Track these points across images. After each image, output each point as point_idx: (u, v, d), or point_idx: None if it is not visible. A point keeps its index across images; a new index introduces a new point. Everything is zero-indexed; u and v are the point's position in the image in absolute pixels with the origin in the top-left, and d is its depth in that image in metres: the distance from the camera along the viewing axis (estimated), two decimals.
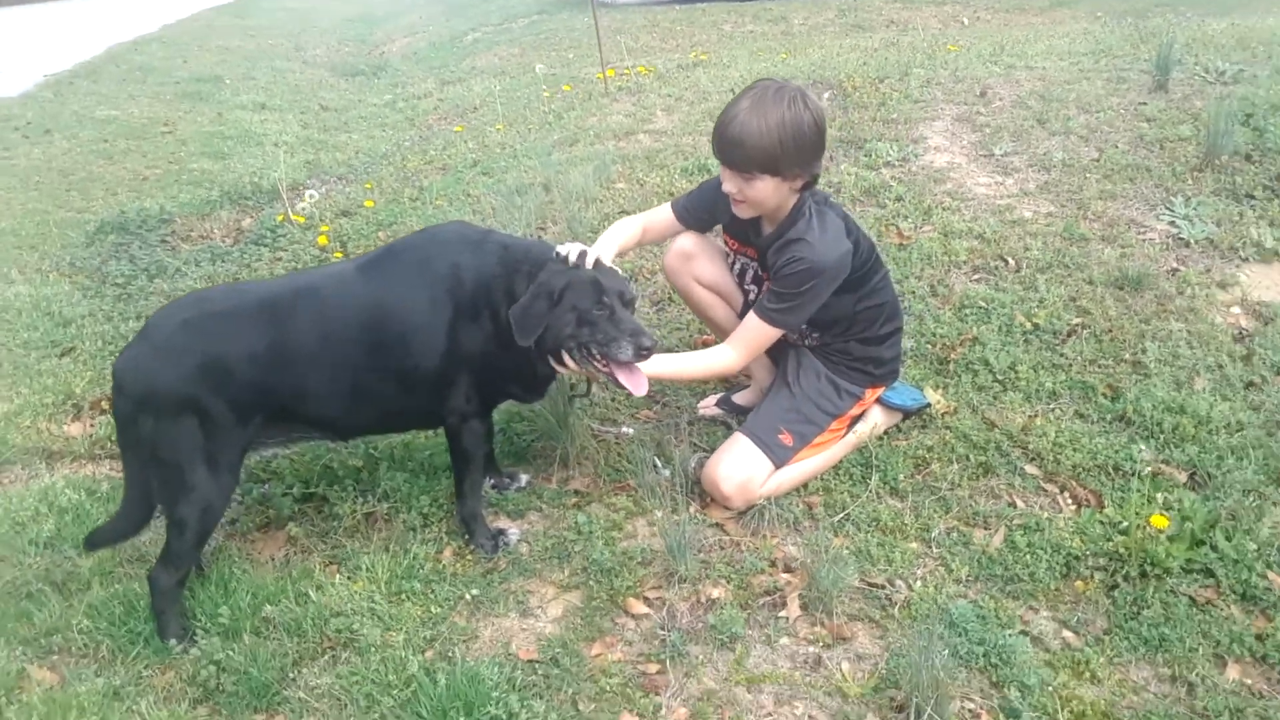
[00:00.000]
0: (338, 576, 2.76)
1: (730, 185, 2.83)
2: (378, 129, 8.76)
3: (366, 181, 6.09)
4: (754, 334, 2.92)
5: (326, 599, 2.65)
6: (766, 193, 2.79)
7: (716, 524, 2.91)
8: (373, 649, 2.48)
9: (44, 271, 5.14)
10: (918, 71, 5.73)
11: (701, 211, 3.16)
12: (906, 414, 3.23)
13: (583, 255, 2.77)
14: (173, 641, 2.54)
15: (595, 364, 2.74)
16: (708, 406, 3.45)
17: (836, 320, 3.02)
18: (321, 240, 5.05)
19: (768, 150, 2.68)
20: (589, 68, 7.83)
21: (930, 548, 2.77)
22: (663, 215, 3.23)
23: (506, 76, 9.30)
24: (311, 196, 5.53)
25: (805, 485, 3.02)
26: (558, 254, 2.77)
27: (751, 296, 3.14)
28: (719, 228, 3.19)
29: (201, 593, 2.70)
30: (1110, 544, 2.66)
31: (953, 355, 3.45)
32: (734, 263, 3.18)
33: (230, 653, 2.46)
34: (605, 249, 2.91)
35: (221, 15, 21.88)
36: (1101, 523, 2.73)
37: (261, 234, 5.48)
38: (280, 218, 5.63)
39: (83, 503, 3.14)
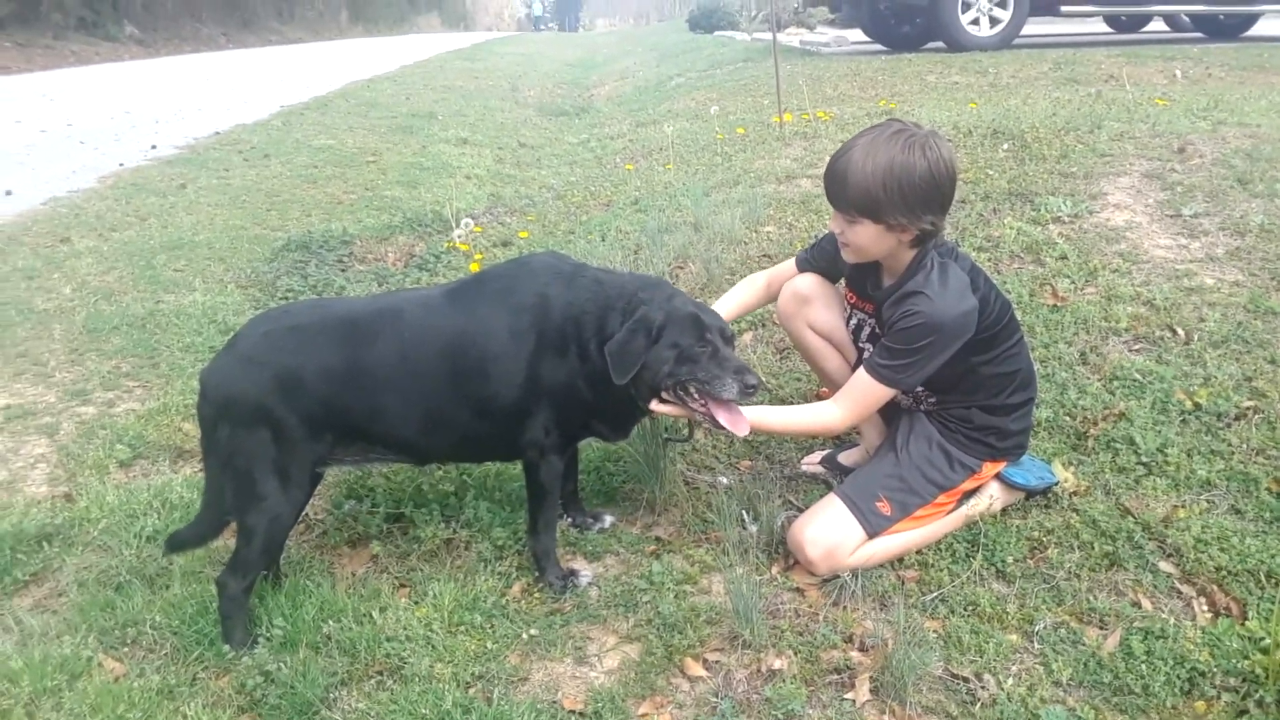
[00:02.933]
0: (405, 599, 2.72)
1: (835, 224, 2.68)
2: (565, 166, 8.94)
3: (529, 214, 6.18)
4: (863, 392, 2.68)
5: (386, 621, 2.60)
6: (868, 239, 2.59)
7: (797, 588, 2.70)
8: (417, 678, 2.42)
9: (224, 282, 5.46)
10: (1111, 124, 5.30)
11: (822, 261, 3.01)
12: (1030, 494, 2.90)
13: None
14: (226, 647, 2.55)
15: (693, 404, 2.61)
16: (811, 463, 3.24)
17: (958, 384, 2.75)
18: (473, 268, 5.13)
19: (869, 192, 2.50)
20: (776, 113, 7.71)
21: (1031, 642, 2.45)
22: (786, 268, 3.13)
23: (698, 120, 9.31)
24: (466, 224, 5.65)
25: (900, 559, 2.76)
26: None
27: (867, 354, 2.91)
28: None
29: (271, 600, 2.71)
30: (1246, 662, 2.27)
31: (1093, 430, 3.08)
32: (850, 317, 2.97)
33: (281, 665, 2.45)
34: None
35: (455, 59, 23.28)
36: (1240, 637, 2.34)
37: (427, 259, 5.66)
38: (448, 245, 5.80)
39: (193, 500, 3.23)
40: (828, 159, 5.61)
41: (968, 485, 2.81)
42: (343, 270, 5.72)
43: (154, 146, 9.82)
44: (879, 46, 13.17)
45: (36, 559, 2.99)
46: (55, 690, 2.43)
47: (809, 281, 3.05)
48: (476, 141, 10.59)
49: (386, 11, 49.15)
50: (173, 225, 6.74)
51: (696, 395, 2.61)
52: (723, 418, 2.59)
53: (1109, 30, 15.22)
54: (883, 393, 2.67)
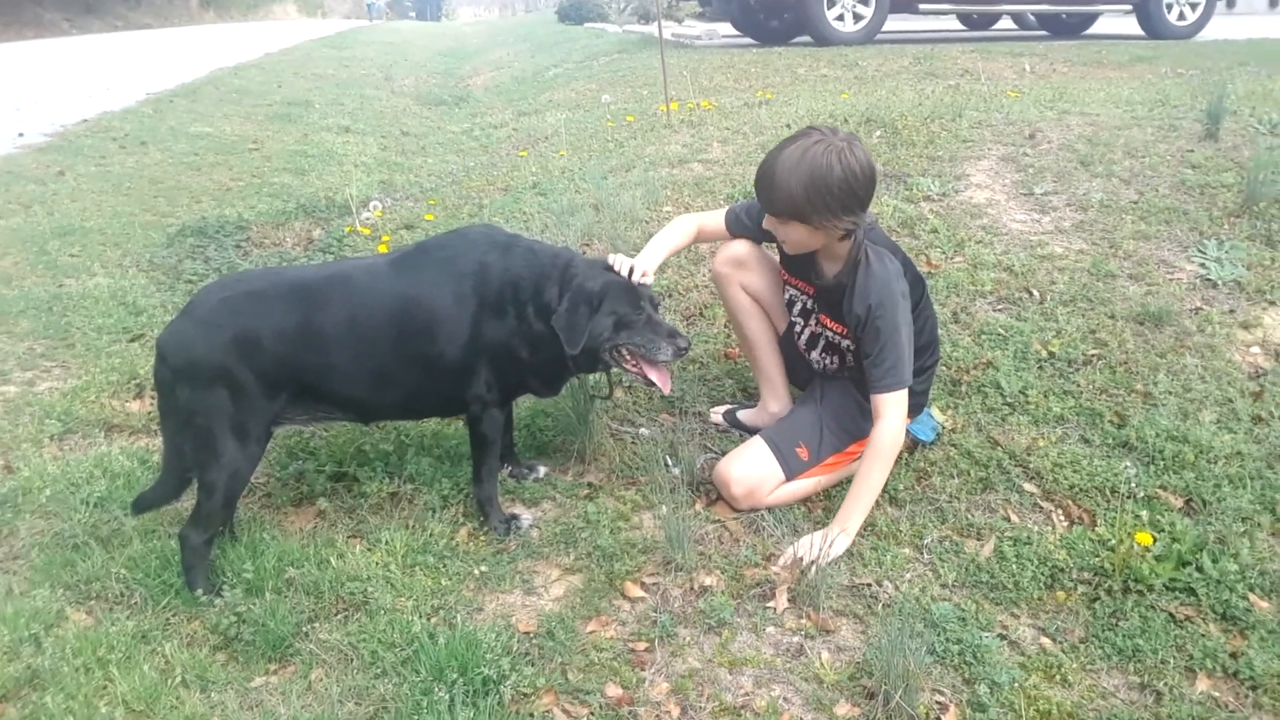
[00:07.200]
0: (359, 547, 2.93)
1: (769, 224, 2.95)
2: (452, 154, 9.09)
3: (431, 198, 6.37)
4: (890, 406, 2.83)
5: (345, 565, 2.81)
6: (800, 236, 2.88)
7: (718, 520, 3.03)
8: (382, 611, 2.64)
9: (124, 267, 5.48)
10: (970, 113, 5.83)
11: (754, 227, 3.21)
12: (918, 444, 3.28)
13: (631, 270, 2.96)
14: (199, 591, 2.73)
15: (626, 365, 2.93)
16: (716, 413, 3.57)
17: None
18: (382, 249, 5.30)
19: (792, 199, 2.75)
20: (657, 102, 8.06)
21: (921, 554, 2.86)
22: (715, 220, 3.33)
23: (580, 110, 9.57)
24: (375, 207, 5.80)
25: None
26: (609, 265, 2.97)
27: (798, 328, 3.23)
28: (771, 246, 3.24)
29: (231, 552, 2.88)
30: (1096, 559, 2.72)
31: (965, 378, 3.53)
32: (785, 290, 3.26)
33: (252, 606, 2.64)
34: (651, 258, 3.10)
35: (321, 47, 22.90)
36: (1091, 540, 2.80)
37: (329, 243, 5.77)
38: (349, 229, 5.92)
39: (134, 469, 3.36)
40: (716, 145, 5.99)
41: None
42: (244, 255, 5.79)
43: (21, 134, 9.53)
44: (749, 40, 13.65)
45: None
46: (34, 638, 2.57)
47: (746, 247, 3.29)
48: (359, 130, 10.62)
49: None
50: (59, 212, 6.66)
51: (629, 357, 2.93)
52: (654, 377, 2.93)
53: (962, 28, 16.12)
54: (903, 394, 2.83)
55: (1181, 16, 12.96)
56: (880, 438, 2.85)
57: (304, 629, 2.63)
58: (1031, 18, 15.11)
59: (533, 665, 2.48)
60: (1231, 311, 3.81)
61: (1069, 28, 14.35)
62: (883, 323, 2.83)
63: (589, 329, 2.85)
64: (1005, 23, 16.11)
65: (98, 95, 12.56)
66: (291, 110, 11.71)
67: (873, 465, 2.86)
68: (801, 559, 2.77)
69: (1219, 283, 3.94)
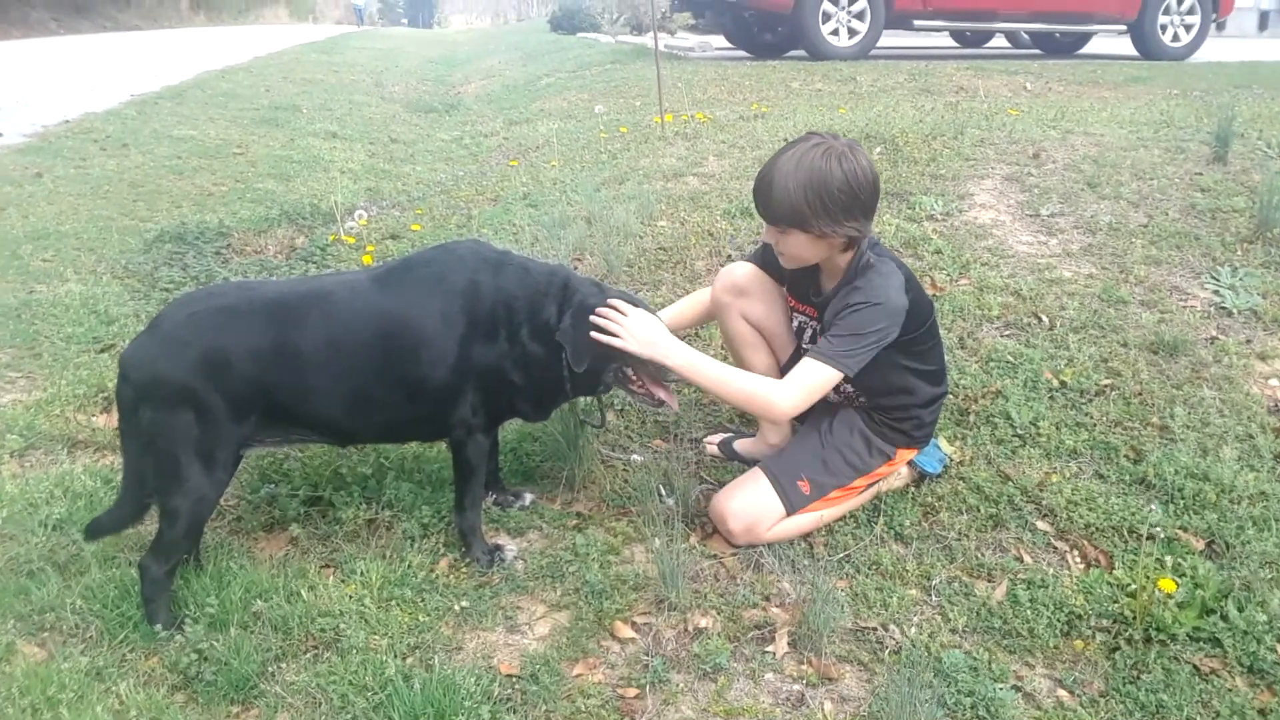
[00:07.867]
0: (332, 578, 2.76)
1: (768, 236, 2.83)
2: (441, 162, 8.93)
3: (418, 208, 6.20)
4: (811, 376, 2.70)
5: (317, 599, 2.64)
6: (800, 246, 2.73)
7: (714, 556, 2.87)
8: (355, 650, 2.47)
9: (98, 273, 5.29)
10: (972, 131, 5.71)
11: (768, 257, 3.07)
12: (924, 476, 3.13)
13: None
14: (159, 626, 2.55)
15: (631, 384, 2.81)
16: (711, 442, 3.40)
17: (890, 385, 2.91)
18: (366, 260, 5.13)
19: (792, 204, 2.62)
20: (651, 113, 7.92)
21: (930, 596, 2.70)
22: None
23: (572, 120, 9.44)
24: (360, 215, 5.64)
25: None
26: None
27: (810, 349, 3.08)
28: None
29: (195, 583, 2.71)
30: (1116, 605, 2.56)
31: (974, 407, 3.38)
32: (792, 319, 3.13)
33: (214, 643, 2.47)
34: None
35: (310, 51, 22.74)
36: (1110, 584, 2.64)
37: (312, 252, 5.59)
38: (332, 237, 5.75)
39: (97, 490, 3.18)
40: (711, 159, 5.85)
41: (882, 470, 2.97)
42: (224, 263, 5.61)
43: (0, 134, 9.33)
44: (742, 53, 13.57)
45: None
46: None
47: (747, 273, 3.11)
48: (346, 136, 10.45)
49: (230, 0, 47.36)
50: (34, 215, 6.46)
51: (634, 376, 2.80)
52: (663, 395, 2.82)
53: (955, 45, 16.08)
54: (831, 377, 2.70)
55: (1176, 38, 12.93)
56: (779, 395, 2.74)
57: (270, 669, 2.45)
58: (1025, 36, 15.07)
59: (514, 712, 2.32)
60: (1248, 342, 3.68)
61: (1063, 47, 14.32)
62: (862, 317, 2.68)
63: (595, 345, 2.71)
64: (999, 41, 16.07)
65: (82, 96, 12.34)
66: (278, 114, 11.52)
67: (747, 381, 2.81)
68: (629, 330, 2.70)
69: (1234, 311, 3.82)
